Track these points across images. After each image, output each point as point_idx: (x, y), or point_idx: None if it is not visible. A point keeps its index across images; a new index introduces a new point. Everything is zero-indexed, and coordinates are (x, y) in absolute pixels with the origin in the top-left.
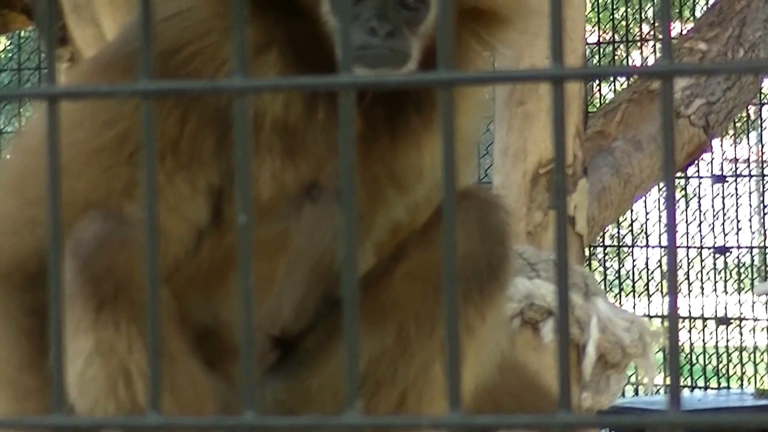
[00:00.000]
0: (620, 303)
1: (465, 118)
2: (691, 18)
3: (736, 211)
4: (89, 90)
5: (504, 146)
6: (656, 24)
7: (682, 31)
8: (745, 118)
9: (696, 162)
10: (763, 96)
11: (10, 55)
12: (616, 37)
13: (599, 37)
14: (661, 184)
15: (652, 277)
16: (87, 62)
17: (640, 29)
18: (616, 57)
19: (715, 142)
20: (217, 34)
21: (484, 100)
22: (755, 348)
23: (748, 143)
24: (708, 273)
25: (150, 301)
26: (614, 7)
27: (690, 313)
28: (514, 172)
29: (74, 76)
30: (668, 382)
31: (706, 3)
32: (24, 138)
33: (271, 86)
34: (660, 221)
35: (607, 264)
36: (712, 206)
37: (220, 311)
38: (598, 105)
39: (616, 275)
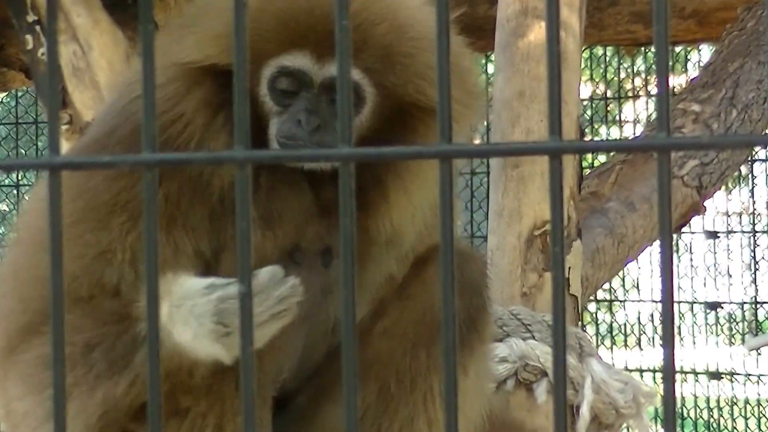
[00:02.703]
0: (612, 356)
1: (420, 192)
2: (683, 71)
3: (728, 266)
4: (91, 160)
5: (499, 208)
6: (648, 78)
7: (674, 85)
8: (737, 174)
9: (689, 221)
10: (754, 152)
11: (7, 108)
12: (609, 92)
13: (592, 92)
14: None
15: (644, 331)
16: (83, 143)
17: (633, 83)
18: (608, 111)
19: None
20: (184, 104)
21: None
22: (746, 402)
23: (740, 198)
24: (700, 327)
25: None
26: (607, 62)
27: (682, 367)
28: (509, 233)
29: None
30: None
31: (698, 58)
32: (20, 232)
33: (272, 156)
34: (652, 275)
35: (599, 317)
36: (704, 261)
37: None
38: (590, 157)
39: (608, 329)
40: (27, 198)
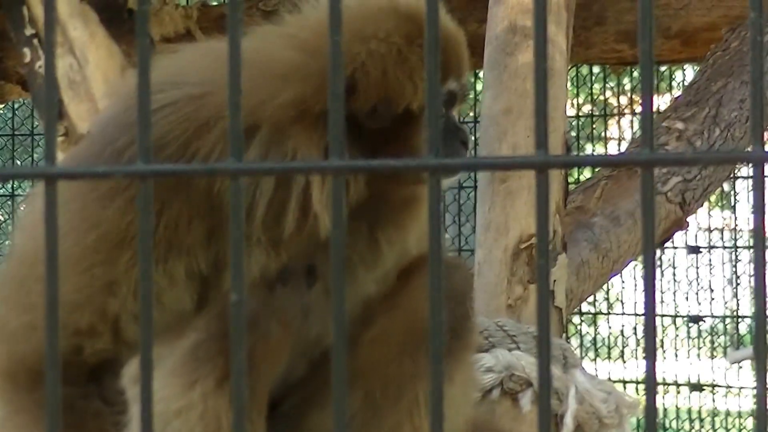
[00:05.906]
0: (596, 368)
1: None
2: (668, 90)
3: (710, 280)
4: (87, 170)
5: (486, 222)
6: (633, 97)
7: (659, 104)
8: (719, 191)
9: (672, 237)
10: (736, 169)
11: (3, 120)
12: (595, 110)
13: (578, 111)
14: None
15: (627, 344)
16: (79, 155)
17: (618, 102)
18: (594, 128)
19: None
20: (199, 127)
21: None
22: (727, 413)
23: (722, 214)
24: (682, 340)
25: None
26: (593, 80)
27: (664, 379)
28: (495, 246)
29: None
30: None
31: (683, 77)
32: (18, 247)
33: (265, 169)
34: (636, 289)
35: (583, 330)
36: (687, 276)
37: None
38: (576, 173)
39: (592, 341)
40: (23, 208)
